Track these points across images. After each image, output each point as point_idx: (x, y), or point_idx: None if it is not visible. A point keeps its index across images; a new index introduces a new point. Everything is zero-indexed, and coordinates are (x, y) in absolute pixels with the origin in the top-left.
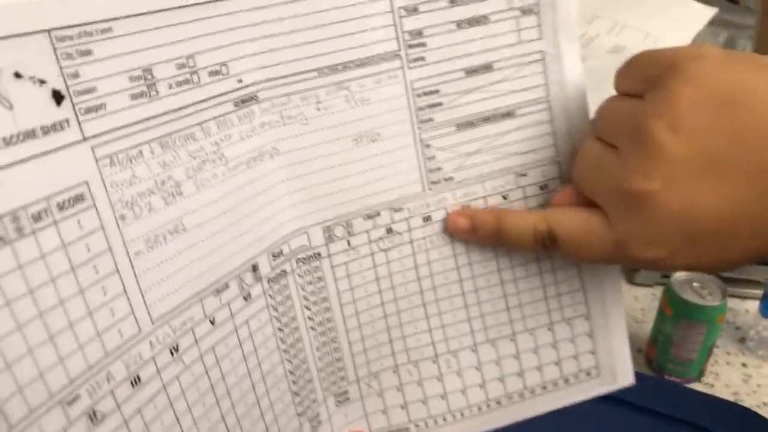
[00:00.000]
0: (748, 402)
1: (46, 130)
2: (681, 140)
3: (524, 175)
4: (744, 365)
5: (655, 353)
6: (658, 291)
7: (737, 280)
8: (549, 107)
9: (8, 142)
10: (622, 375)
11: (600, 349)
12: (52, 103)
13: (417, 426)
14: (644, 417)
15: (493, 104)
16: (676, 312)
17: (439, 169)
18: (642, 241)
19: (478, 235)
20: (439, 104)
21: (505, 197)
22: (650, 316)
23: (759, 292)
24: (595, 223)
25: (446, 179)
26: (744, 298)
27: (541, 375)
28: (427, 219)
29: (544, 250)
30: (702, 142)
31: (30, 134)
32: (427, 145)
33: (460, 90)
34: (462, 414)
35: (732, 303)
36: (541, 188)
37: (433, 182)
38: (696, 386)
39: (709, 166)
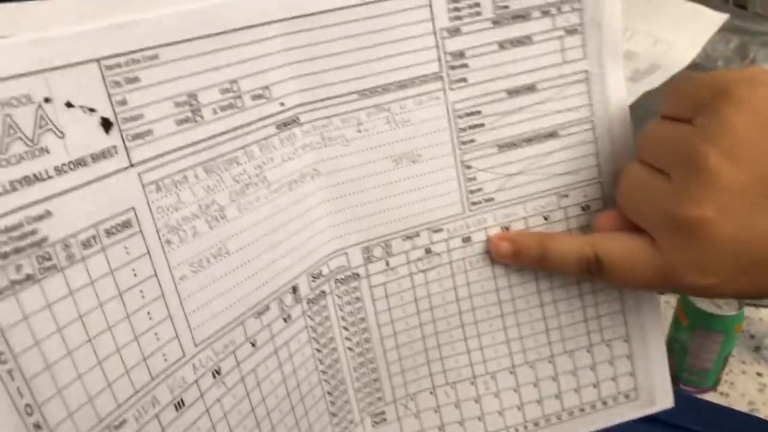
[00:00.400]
0: (764, 412)
1: (96, 158)
2: (736, 168)
3: (566, 196)
4: (759, 374)
5: (669, 362)
6: (672, 299)
7: None
8: (593, 127)
9: (60, 170)
10: (661, 397)
11: (639, 371)
12: (101, 130)
13: None
14: (658, 429)
15: (535, 125)
16: (692, 321)
17: (479, 190)
18: (693, 269)
19: (521, 259)
20: (481, 125)
21: (546, 218)
22: (664, 324)
23: None
24: (642, 249)
25: (487, 200)
26: (758, 306)
27: (579, 397)
28: (466, 240)
29: (588, 276)
30: (758, 170)
31: (81, 162)
32: (468, 166)
33: (502, 111)
34: None
35: (746, 311)
36: (583, 209)
37: (474, 203)
38: (711, 396)
39: (764, 194)
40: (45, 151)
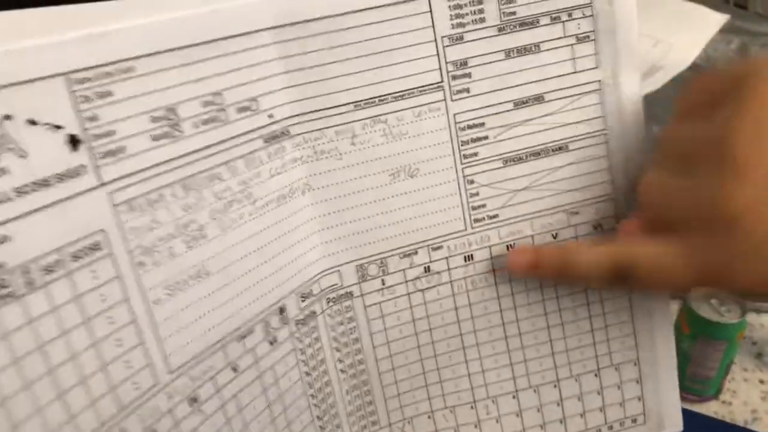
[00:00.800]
0: (767, 420)
1: (61, 178)
2: (766, 155)
3: (576, 213)
4: (762, 382)
5: None
6: (674, 307)
7: None
8: (606, 140)
9: (21, 191)
10: (670, 421)
11: (648, 395)
12: (67, 148)
13: None
14: None
15: (544, 138)
16: (694, 330)
17: (482, 206)
18: (730, 266)
19: (541, 271)
20: (485, 138)
21: (554, 236)
22: None
23: None
24: (678, 252)
25: (490, 217)
26: (760, 312)
27: (584, 422)
28: (468, 258)
29: (617, 285)
30: None
31: (44, 183)
32: (471, 181)
33: (508, 123)
34: None
35: (747, 318)
36: (594, 227)
37: (477, 220)
38: (713, 405)
39: None
40: (4, 171)
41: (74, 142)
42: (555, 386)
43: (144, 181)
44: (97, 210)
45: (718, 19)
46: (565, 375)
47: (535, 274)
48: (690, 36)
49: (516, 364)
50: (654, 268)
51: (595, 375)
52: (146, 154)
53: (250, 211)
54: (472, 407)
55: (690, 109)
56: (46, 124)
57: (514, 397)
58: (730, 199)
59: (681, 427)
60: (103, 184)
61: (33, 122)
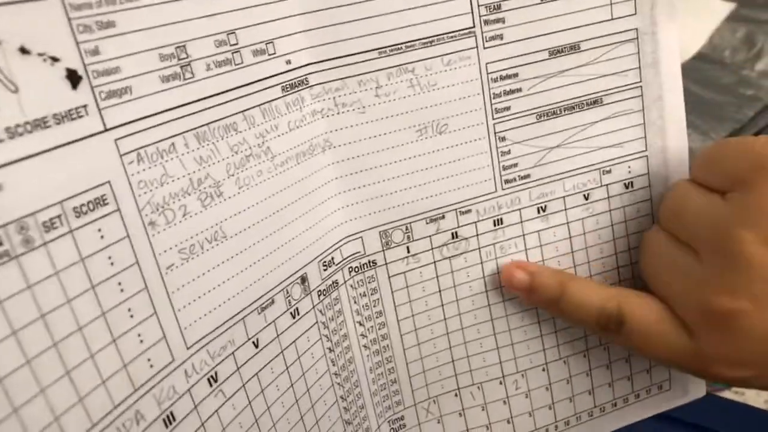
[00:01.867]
0: None
1: (59, 119)
2: None
3: (609, 171)
4: None
5: None
6: None
7: None
8: (641, 94)
9: (13, 133)
10: (694, 387)
11: None
12: (66, 85)
13: None
14: (677, 428)
15: (578, 90)
16: None
17: (514, 165)
18: (726, 361)
19: (535, 297)
20: (518, 90)
21: (586, 197)
22: None
23: None
24: (672, 325)
25: (522, 177)
26: None
27: (612, 391)
28: (498, 222)
29: (604, 334)
30: None
31: (39, 124)
32: (502, 138)
33: (543, 74)
34: None
35: None
36: (626, 186)
37: (507, 181)
38: (726, 394)
39: None
40: None
41: (74, 77)
42: (584, 356)
43: (153, 128)
44: (102, 159)
45: (723, 8)
46: (594, 343)
47: (528, 299)
48: (695, 24)
49: (546, 336)
50: (644, 332)
51: None
52: (155, 97)
53: (268, 167)
54: (500, 383)
55: (705, 178)
56: (41, 54)
57: (543, 369)
58: (733, 295)
59: (704, 392)
60: (107, 129)
61: (25, 50)
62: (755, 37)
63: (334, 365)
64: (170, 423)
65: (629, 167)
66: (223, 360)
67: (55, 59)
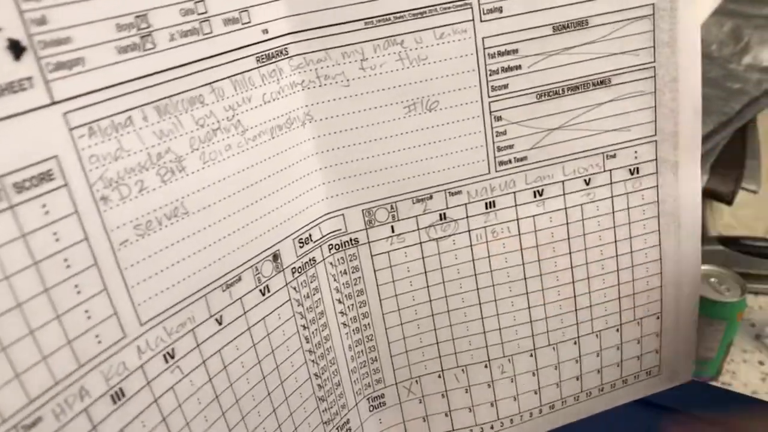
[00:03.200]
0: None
1: (1, 92)
2: None
3: (613, 156)
4: (761, 363)
5: None
6: None
7: (751, 276)
8: (654, 75)
9: None
10: (683, 371)
11: (665, 347)
12: (8, 56)
13: None
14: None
15: (584, 69)
16: None
17: (510, 147)
18: None
19: None
20: (517, 67)
21: (587, 182)
22: None
23: None
24: None
25: (518, 159)
26: (757, 293)
27: (600, 377)
28: (490, 205)
29: None
30: None
31: None
32: (498, 118)
33: (545, 51)
34: (511, 421)
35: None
36: (631, 172)
37: (502, 162)
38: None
39: None
40: None
41: (16, 48)
42: (575, 343)
43: (108, 101)
44: (49, 133)
45: (710, 2)
46: (586, 331)
47: None
48: None
49: (536, 322)
50: None
51: (617, 330)
52: (110, 69)
53: (238, 141)
54: (486, 366)
55: None
56: None
57: (531, 355)
58: None
59: (690, 377)
60: (55, 103)
61: None
62: (742, 31)
63: (308, 342)
64: (119, 399)
65: (636, 152)
66: (181, 337)
67: None
